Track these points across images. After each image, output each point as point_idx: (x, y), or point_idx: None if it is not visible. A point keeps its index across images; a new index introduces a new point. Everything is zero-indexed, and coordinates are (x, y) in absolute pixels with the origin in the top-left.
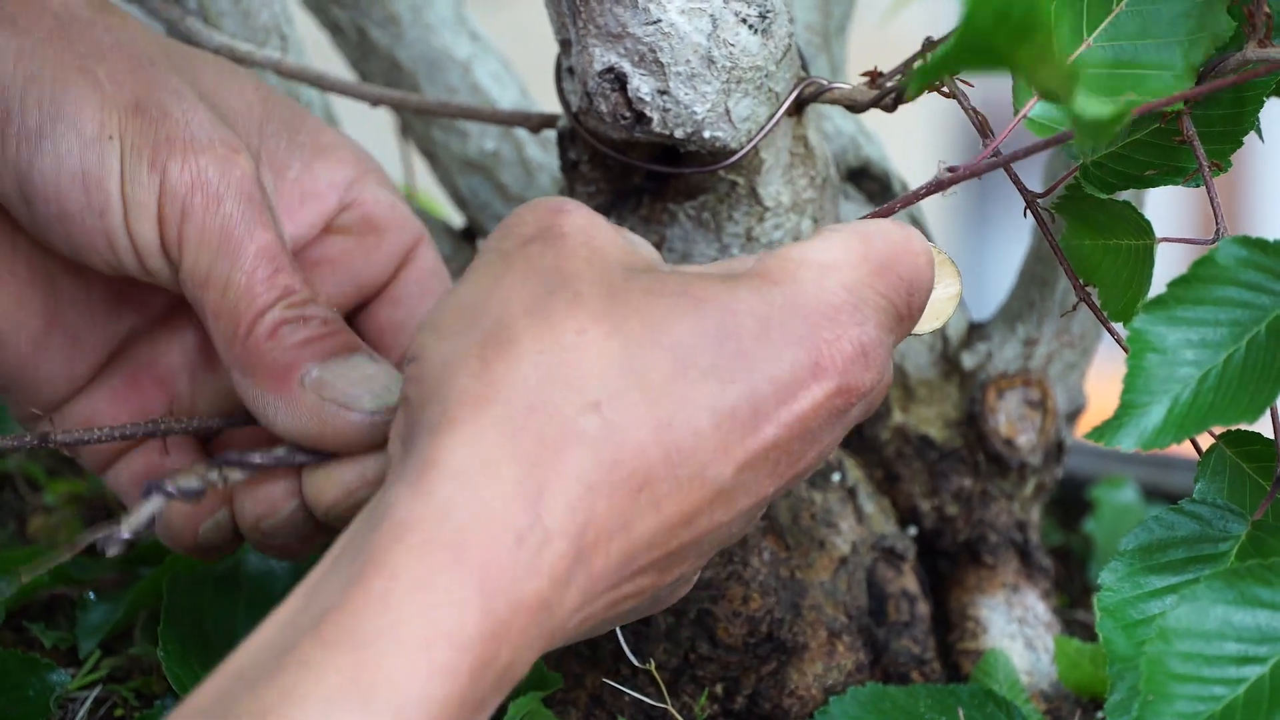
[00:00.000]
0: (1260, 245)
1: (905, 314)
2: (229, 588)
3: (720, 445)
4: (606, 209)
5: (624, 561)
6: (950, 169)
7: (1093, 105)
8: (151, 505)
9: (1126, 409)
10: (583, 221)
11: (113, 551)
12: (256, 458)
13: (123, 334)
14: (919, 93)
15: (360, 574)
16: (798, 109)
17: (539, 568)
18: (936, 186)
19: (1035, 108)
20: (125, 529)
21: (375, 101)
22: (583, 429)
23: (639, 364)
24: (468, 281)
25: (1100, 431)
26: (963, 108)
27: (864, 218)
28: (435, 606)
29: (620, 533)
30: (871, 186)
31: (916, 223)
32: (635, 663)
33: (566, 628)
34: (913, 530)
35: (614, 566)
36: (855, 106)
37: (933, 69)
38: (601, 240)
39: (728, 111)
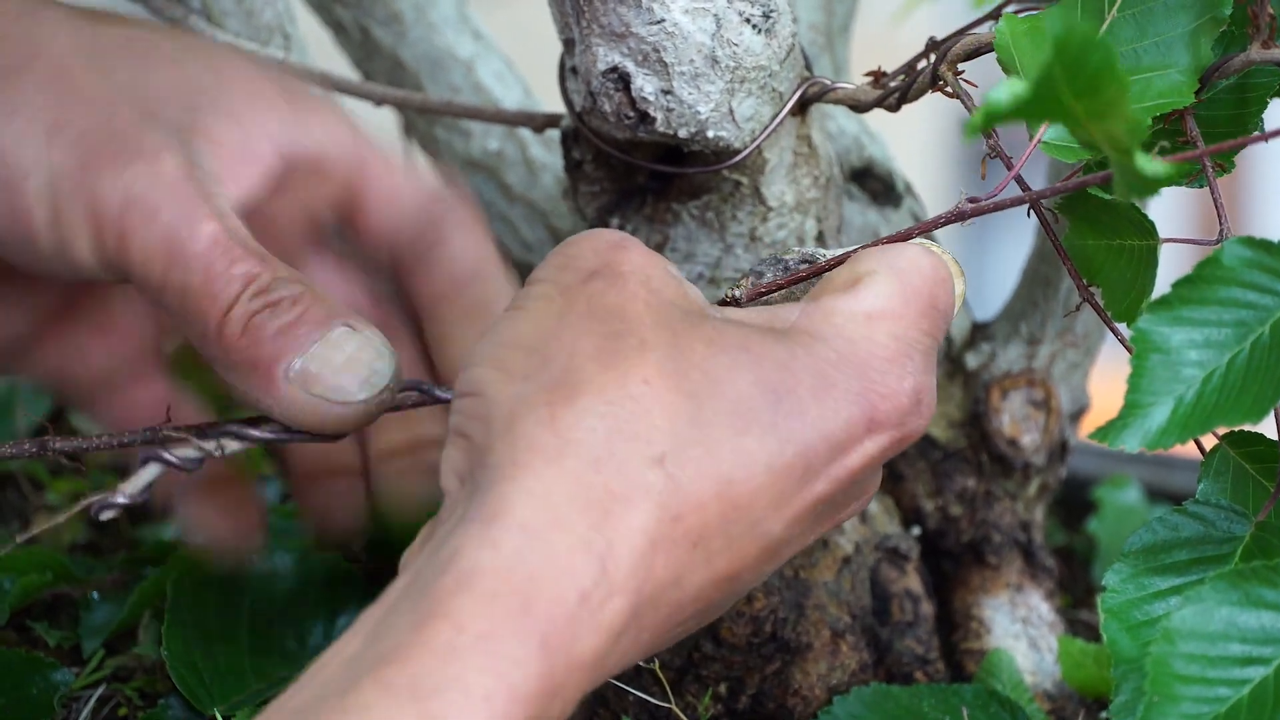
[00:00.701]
0: (1265, 246)
1: (939, 338)
2: (233, 588)
3: (773, 502)
4: (610, 209)
5: (672, 614)
6: (971, 200)
7: (1152, 164)
8: (148, 473)
9: (1131, 409)
10: (640, 260)
11: (106, 515)
12: (255, 432)
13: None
14: (975, 135)
15: (426, 620)
16: (801, 109)
17: (600, 625)
18: (957, 216)
19: (1050, 131)
20: (121, 495)
21: (379, 101)
22: (649, 483)
23: (702, 418)
24: (529, 315)
25: (1104, 432)
26: (966, 109)
27: (879, 242)
28: (498, 660)
29: (673, 587)
30: (875, 186)
31: (917, 220)
32: (639, 662)
33: (610, 671)
34: (916, 530)
35: (662, 620)
36: (859, 106)
37: (999, 115)
38: (658, 281)
39: (731, 111)
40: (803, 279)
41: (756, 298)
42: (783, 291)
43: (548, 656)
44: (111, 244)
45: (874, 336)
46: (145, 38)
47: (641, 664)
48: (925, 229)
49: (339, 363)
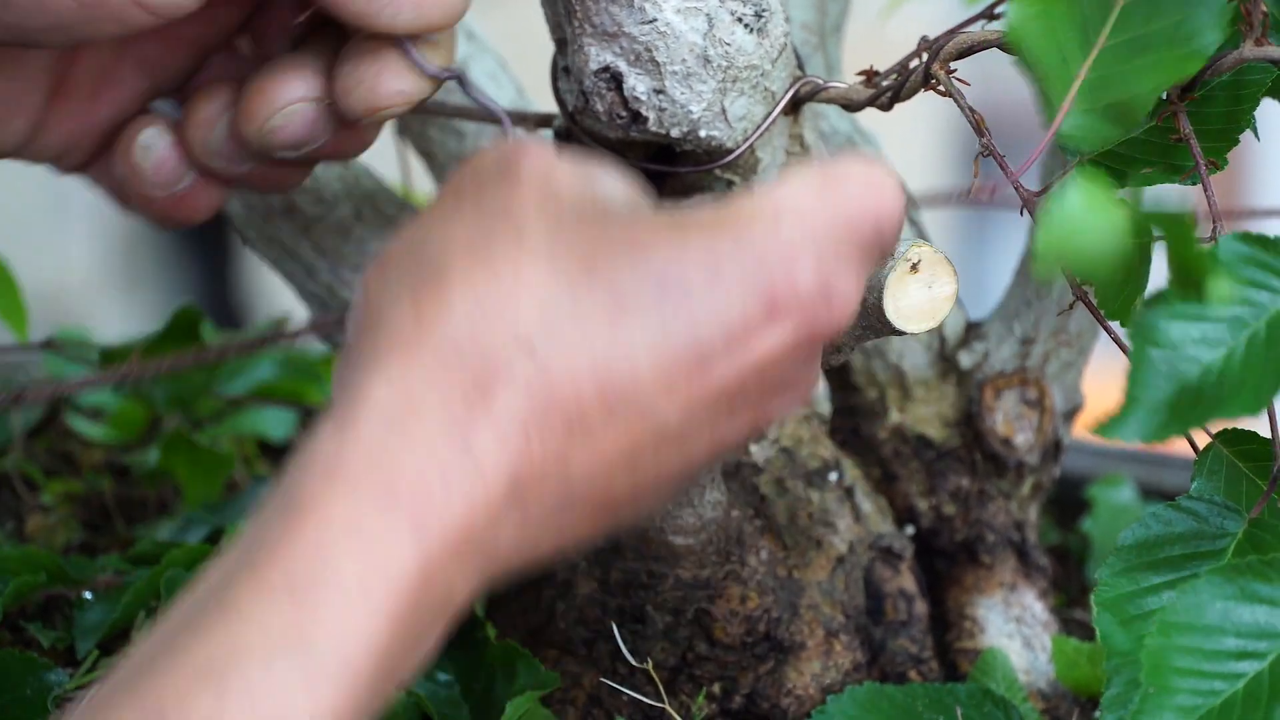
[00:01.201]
0: (1261, 242)
1: (873, 244)
2: None
3: (661, 385)
4: None
5: (562, 502)
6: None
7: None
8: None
9: (1130, 403)
10: (542, 164)
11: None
12: None
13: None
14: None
15: (294, 516)
16: (794, 108)
17: (471, 504)
18: (972, 198)
19: (1065, 122)
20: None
21: None
22: (514, 367)
23: (577, 306)
24: (420, 219)
25: (1104, 426)
26: (959, 107)
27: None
28: (369, 548)
29: (556, 471)
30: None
31: (913, 223)
32: (633, 662)
33: (507, 562)
34: (910, 529)
35: (550, 507)
36: (851, 106)
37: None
38: (560, 185)
39: (724, 110)
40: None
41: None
42: None
43: (419, 538)
44: None
45: (777, 231)
46: None
47: (635, 663)
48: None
49: None
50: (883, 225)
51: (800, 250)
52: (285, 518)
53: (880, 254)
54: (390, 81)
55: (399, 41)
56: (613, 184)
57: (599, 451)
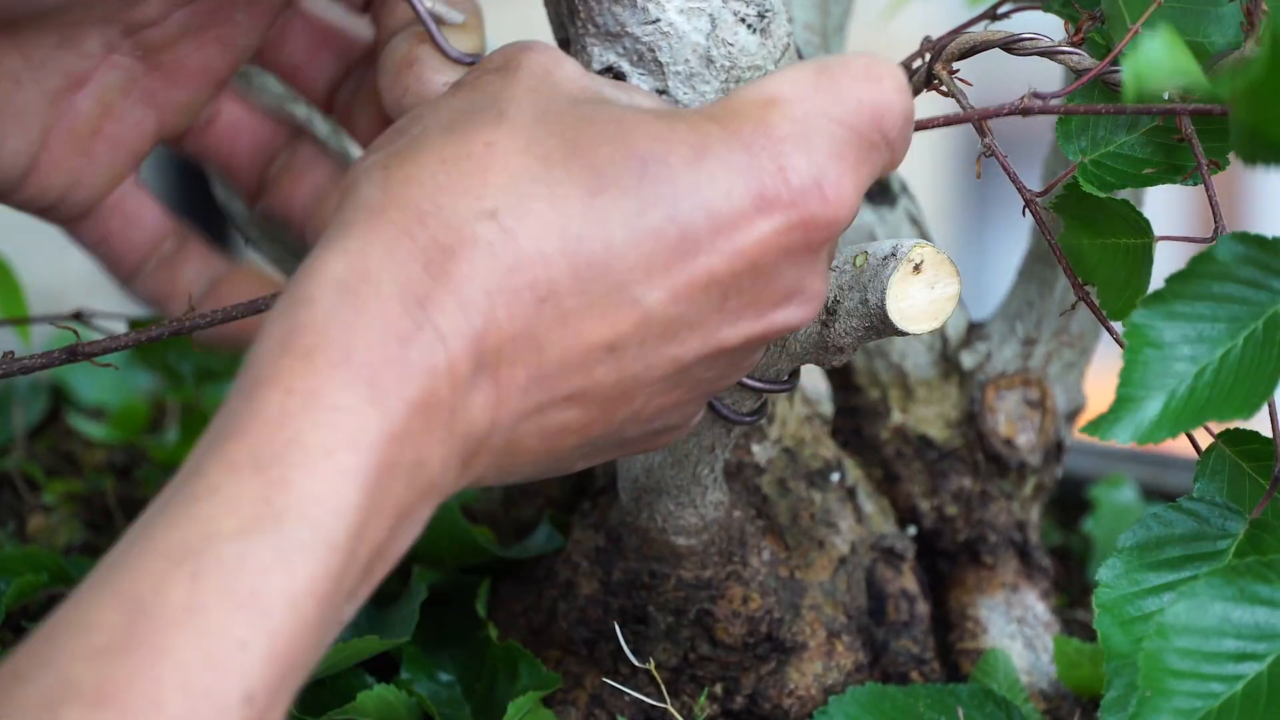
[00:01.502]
0: (1259, 242)
1: (878, 142)
2: None
3: (640, 265)
4: None
5: (538, 376)
6: (1038, 94)
7: None
8: None
9: (1123, 403)
10: (545, 59)
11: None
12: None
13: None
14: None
15: (255, 389)
16: None
17: (431, 367)
18: (1020, 109)
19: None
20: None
21: None
22: (477, 234)
23: (550, 179)
24: (422, 108)
25: (1097, 425)
26: (961, 107)
27: None
28: (331, 417)
29: (526, 343)
30: (870, 186)
31: (915, 223)
32: (635, 662)
33: (487, 441)
34: (912, 530)
35: (525, 380)
36: None
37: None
38: (559, 75)
39: None
40: (937, 124)
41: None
42: None
43: (379, 400)
44: None
45: (767, 118)
46: None
47: (637, 664)
48: (985, 115)
49: None
50: (883, 118)
51: (791, 140)
52: (245, 393)
53: (882, 151)
54: (433, 77)
55: (429, 31)
56: (615, 89)
57: (575, 332)
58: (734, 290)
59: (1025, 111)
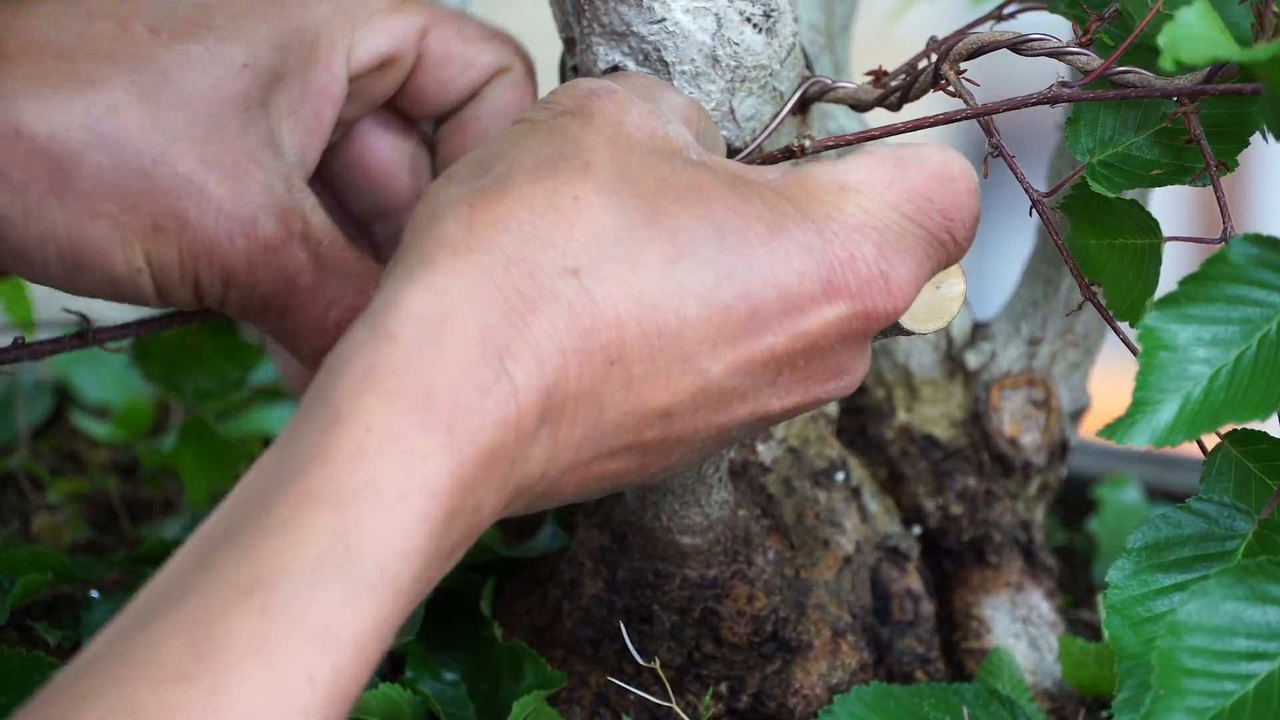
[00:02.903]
0: (1272, 244)
1: (945, 241)
2: None
3: (708, 338)
4: None
5: (592, 434)
6: (1064, 82)
7: None
8: None
9: (1139, 406)
10: (615, 107)
11: None
12: None
13: None
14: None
15: (333, 424)
16: (802, 108)
17: (505, 420)
18: (1050, 98)
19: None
20: None
21: None
22: (558, 291)
23: (632, 242)
24: (493, 141)
25: (1113, 429)
26: (967, 106)
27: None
28: (407, 460)
29: (589, 403)
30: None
31: None
32: (640, 661)
33: (532, 488)
34: (917, 530)
35: (580, 436)
36: (859, 105)
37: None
38: (631, 126)
39: (732, 110)
40: (872, 137)
41: (823, 149)
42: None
43: (455, 448)
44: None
45: (841, 204)
46: (181, 23)
47: (642, 663)
48: (1010, 107)
49: None
50: (952, 220)
51: (863, 230)
52: (322, 427)
53: (948, 249)
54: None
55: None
56: (681, 131)
57: (636, 395)
58: (789, 366)
59: (1053, 100)
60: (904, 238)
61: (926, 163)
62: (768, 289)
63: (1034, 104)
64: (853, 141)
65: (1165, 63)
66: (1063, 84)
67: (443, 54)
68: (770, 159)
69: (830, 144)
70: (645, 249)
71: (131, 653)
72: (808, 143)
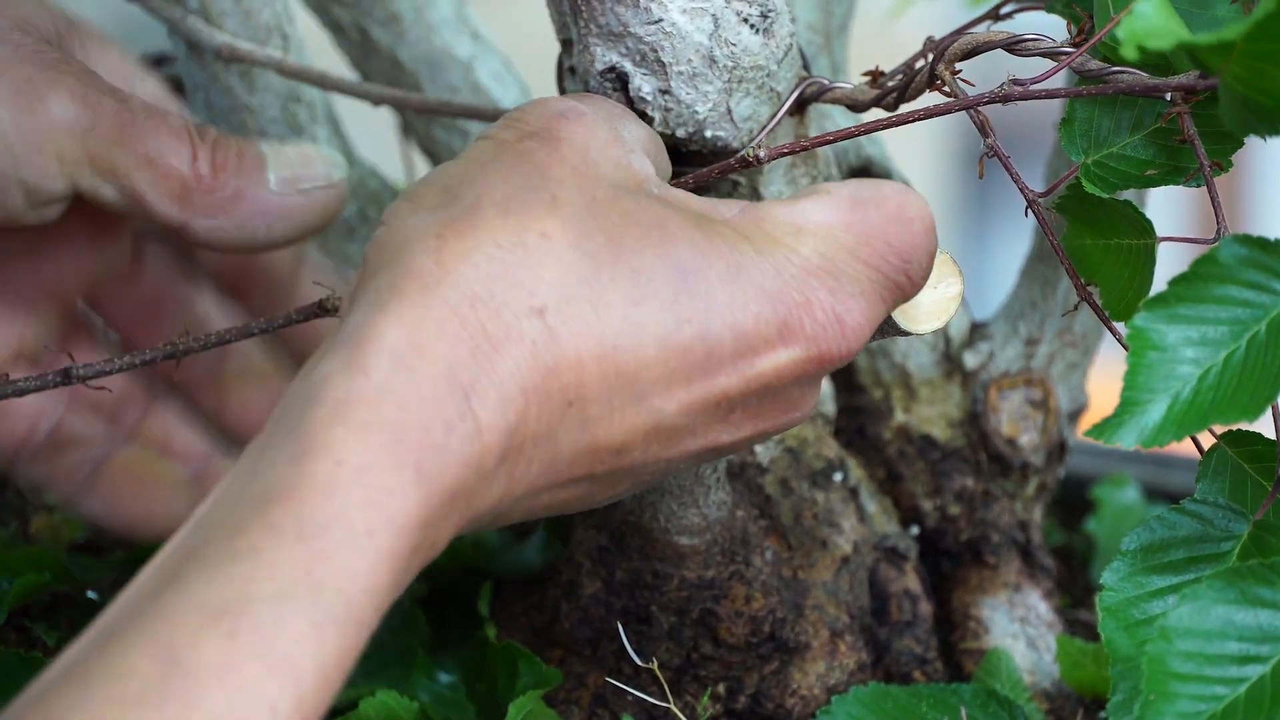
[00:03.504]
0: (1261, 244)
1: (902, 283)
2: None
3: (664, 379)
4: None
5: (546, 471)
6: (1017, 81)
7: None
8: None
9: (1127, 406)
10: (581, 132)
11: None
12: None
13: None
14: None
15: (304, 454)
16: (799, 108)
17: (468, 459)
18: (1001, 98)
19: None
20: None
21: (377, 101)
22: (524, 331)
23: (596, 280)
24: (457, 161)
25: (1101, 429)
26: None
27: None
28: (377, 495)
29: (546, 443)
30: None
31: None
32: (638, 662)
33: (482, 518)
34: (915, 530)
35: (535, 473)
36: (857, 106)
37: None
38: (597, 154)
39: (729, 111)
40: (825, 142)
41: (777, 156)
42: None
43: (422, 485)
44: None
45: (798, 247)
46: None
47: (640, 664)
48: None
49: (303, 156)
50: (909, 261)
51: (818, 275)
52: (292, 457)
53: (904, 289)
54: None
55: None
56: (643, 162)
57: (591, 435)
58: (740, 405)
59: (1005, 99)
60: (859, 282)
61: (884, 204)
62: (724, 331)
63: (985, 103)
64: (807, 147)
65: (1127, 51)
66: (1014, 82)
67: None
68: (727, 169)
69: (785, 150)
70: (609, 289)
71: (101, 672)
72: (763, 152)
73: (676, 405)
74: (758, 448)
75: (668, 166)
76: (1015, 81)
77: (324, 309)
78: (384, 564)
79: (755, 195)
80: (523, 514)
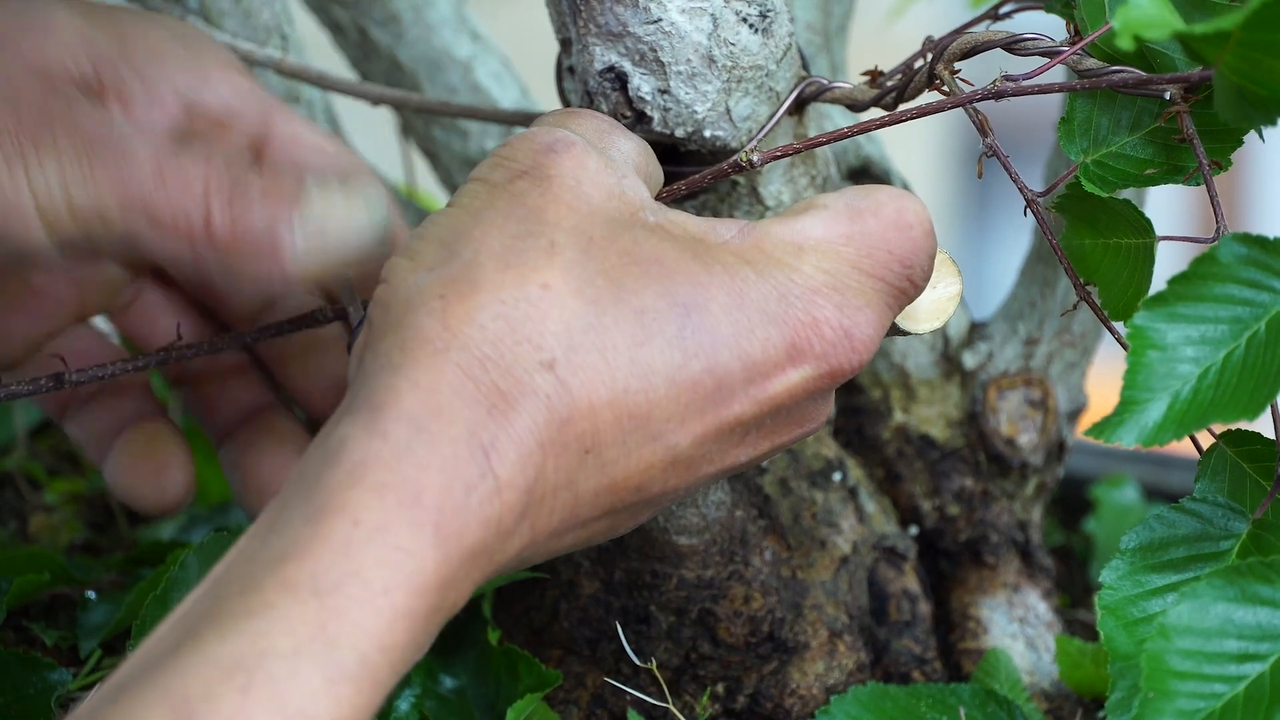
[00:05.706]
0: (1260, 243)
1: (905, 288)
2: None
3: (676, 415)
4: None
5: (568, 517)
6: (1009, 77)
7: None
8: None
9: (1127, 405)
10: (571, 166)
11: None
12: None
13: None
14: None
15: (321, 514)
16: (798, 108)
17: (488, 519)
18: (994, 94)
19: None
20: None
21: (376, 101)
22: (537, 386)
23: (601, 326)
24: (451, 210)
25: (1100, 428)
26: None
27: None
28: (395, 555)
29: (566, 493)
30: (871, 185)
31: None
32: (637, 662)
33: (505, 567)
34: (914, 530)
35: (557, 522)
36: (856, 106)
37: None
38: (589, 187)
39: (728, 111)
40: (820, 144)
41: (770, 160)
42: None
43: (441, 546)
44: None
45: (800, 266)
46: (43, 10)
47: (639, 663)
48: (962, 102)
49: (338, 198)
50: (911, 267)
51: (823, 292)
52: (309, 516)
53: (908, 294)
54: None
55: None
56: (636, 185)
57: (609, 476)
58: (755, 427)
59: (999, 95)
60: (864, 294)
61: (882, 212)
62: (733, 360)
63: (979, 99)
64: (800, 150)
65: (1122, 41)
66: (1006, 78)
67: (291, 140)
68: (720, 173)
69: (779, 154)
70: (614, 333)
71: None
72: (756, 157)
73: (691, 438)
74: None
75: (659, 176)
76: (1008, 78)
77: (316, 320)
78: (401, 622)
79: (754, 195)
80: (546, 555)
